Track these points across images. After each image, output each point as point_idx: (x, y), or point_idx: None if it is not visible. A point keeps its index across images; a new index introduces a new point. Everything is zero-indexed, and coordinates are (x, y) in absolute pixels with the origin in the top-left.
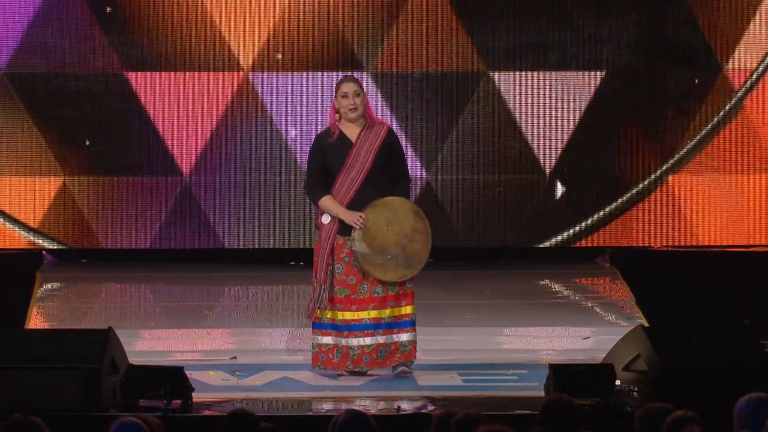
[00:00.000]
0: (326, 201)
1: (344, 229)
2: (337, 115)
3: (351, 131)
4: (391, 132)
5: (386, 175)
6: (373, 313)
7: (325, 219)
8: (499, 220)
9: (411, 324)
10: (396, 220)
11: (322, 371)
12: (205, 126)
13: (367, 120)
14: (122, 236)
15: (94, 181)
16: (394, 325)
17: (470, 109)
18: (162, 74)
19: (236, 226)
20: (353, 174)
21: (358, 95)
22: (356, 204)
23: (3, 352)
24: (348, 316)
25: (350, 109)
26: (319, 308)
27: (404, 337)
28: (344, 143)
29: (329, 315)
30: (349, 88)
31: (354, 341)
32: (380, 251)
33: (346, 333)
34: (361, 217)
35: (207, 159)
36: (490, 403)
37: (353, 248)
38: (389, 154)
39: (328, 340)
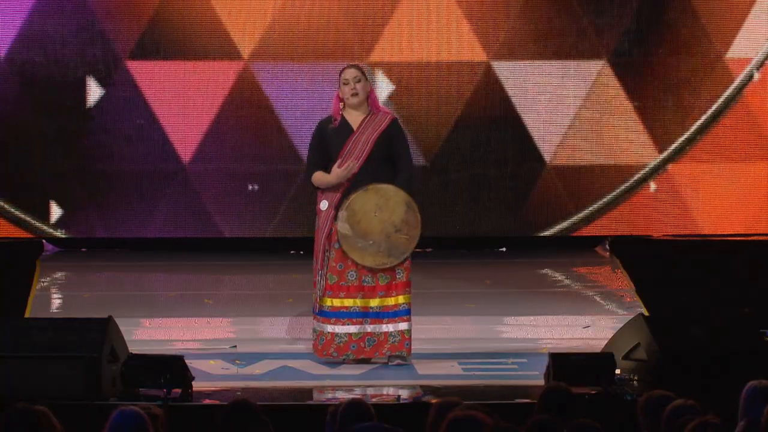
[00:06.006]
0: (317, 176)
1: None
2: (341, 104)
3: (353, 118)
4: (395, 122)
5: (387, 166)
6: (361, 302)
7: (323, 206)
8: (499, 209)
9: (402, 314)
10: (386, 209)
11: (317, 358)
12: (205, 115)
13: (371, 109)
14: (122, 225)
15: (94, 169)
16: (383, 315)
17: (470, 99)
18: (162, 63)
19: (236, 215)
20: (351, 160)
21: (358, 81)
22: (353, 190)
23: (3, 341)
24: (336, 302)
25: (351, 95)
26: (320, 295)
27: (393, 327)
28: (345, 129)
29: (319, 302)
30: (349, 74)
31: (340, 328)
32: (362, 236)
33: (333, 320)
34: (349, 164)
35: (206, 148)
36: (489, 392)
37: (336, 226)
38: (391, 144)
39: (315, 326)
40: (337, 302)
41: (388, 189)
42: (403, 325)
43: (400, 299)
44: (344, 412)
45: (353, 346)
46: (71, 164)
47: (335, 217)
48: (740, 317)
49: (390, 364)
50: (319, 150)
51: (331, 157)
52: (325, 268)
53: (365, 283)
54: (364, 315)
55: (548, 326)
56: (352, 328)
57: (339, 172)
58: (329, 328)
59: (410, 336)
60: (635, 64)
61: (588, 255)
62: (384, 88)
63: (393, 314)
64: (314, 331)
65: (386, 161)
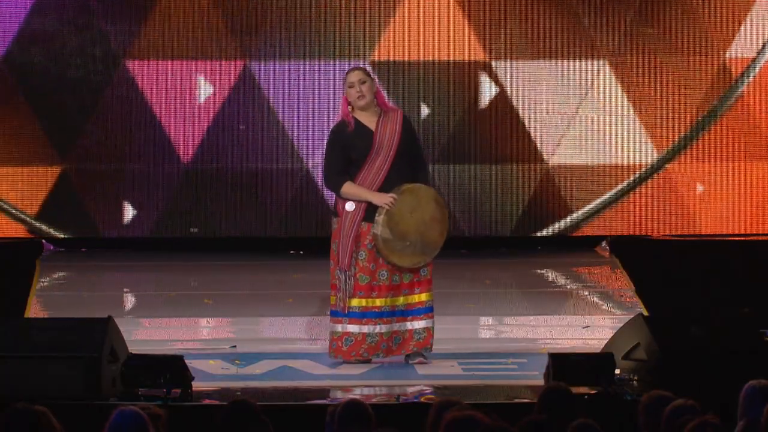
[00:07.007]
0: (349, 186)
1: (369, 215)
2: (349, 107)
3: (368, 120)
4: (406, 117)
5: (407, 161)
6: (389, 301)
7: (349, 206)
8: (498, 209)
9: (426, 311)
10: (419, 208)
11: (333, 359)
12: (205, 114)
13: (381, 107)
14: (122, 225)
15: (94, 169)
16: (407, 312)
17: (470, 98)
18: (161, 62)
19: (236, 214)
20: (379, 161)
21: (363, 83)
22: (384, 190)
23: (3, 341)
24: (368, 303)
25: (357, 98)
26: (349, 296)
27: (418, 324)
28: (364, 132)
29: (347, 303)
30: (354, 77)
31: (371, 328)
32: (401, 237)
33: (364, 320)
34: (392, 197)
35: (207, 147)
36: (489, 391)
37: (375, 231)
38: (408, 140)
39: (338, 328)
40: (369, 302)
41: (420, 188)
42: (428, 322)
43: (424, 297)
44: (342, 412)
45: (384, 346)
46: (71, 164)
47: (363, 218)
48: (740, 317)
49: (411, 362)
50: (342, 157)
51: (353, 161)
52: (354, 269)
53: (394, 282)
54: (392, 314)
55: (548, 326)
56: (383, 328)
57: (384, 199)
58: (360, 328)
59: (433, 333)
60: (635, 64)
61: (588, 255)
62: (384, 87)
63: (417, 312)
64: (335, 333)
65: (405, 156)
